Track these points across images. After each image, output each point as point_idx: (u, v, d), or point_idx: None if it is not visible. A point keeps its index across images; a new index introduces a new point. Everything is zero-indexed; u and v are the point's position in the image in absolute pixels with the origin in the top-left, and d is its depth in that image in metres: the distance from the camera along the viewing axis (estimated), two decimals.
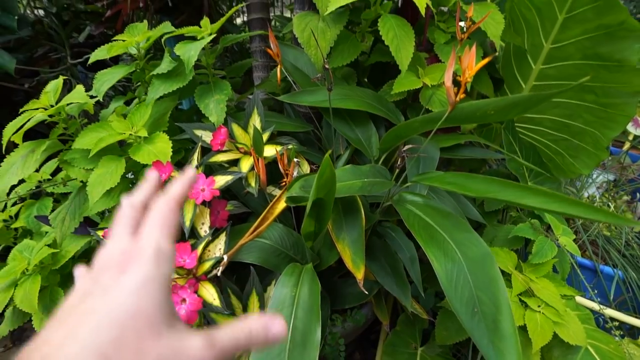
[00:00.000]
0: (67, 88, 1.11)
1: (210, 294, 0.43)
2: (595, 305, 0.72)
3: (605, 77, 0.54)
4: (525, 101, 0.31)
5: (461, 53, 0.54)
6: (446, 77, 0.35)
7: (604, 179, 1.28)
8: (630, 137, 1.38)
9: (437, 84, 0.57)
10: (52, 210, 0.72)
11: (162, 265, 0.19)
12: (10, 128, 0.54)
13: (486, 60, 0.35)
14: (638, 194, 1.23)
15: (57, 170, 0.74)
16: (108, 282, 0.18)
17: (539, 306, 0.61)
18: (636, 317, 0.74)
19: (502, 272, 0.68)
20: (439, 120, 0.39)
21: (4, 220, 0.77)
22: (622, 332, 0.70)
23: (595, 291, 0.70)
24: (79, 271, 0.23)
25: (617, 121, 0.58)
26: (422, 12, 0.49)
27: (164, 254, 0.19)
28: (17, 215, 0.78)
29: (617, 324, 0.68)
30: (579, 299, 0.72)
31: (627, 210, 1.19)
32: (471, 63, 0.35)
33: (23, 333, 1.18)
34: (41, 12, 1.21)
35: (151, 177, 0.26)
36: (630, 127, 1.29)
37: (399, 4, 0.75)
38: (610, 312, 0.72)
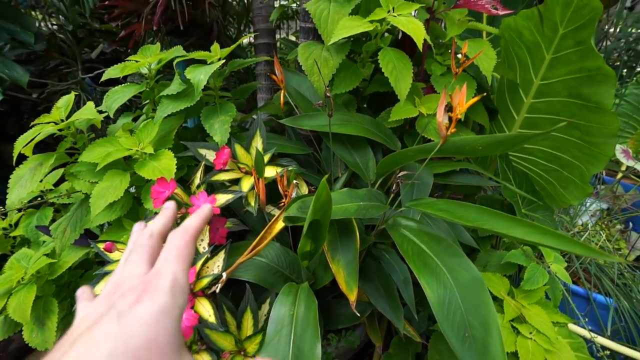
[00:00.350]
0: (76, 101, 1.14)
1: (206, 310, 0.44)
2: (588, 334, 0.72)
3: (588, 117, 0.57)
4: (509, 140, 0.34)
5: (457, 85, 0.57)
6: (438, 113, 0.38)
7: (597, 207, 1.30)
8: (623, 168, 1.41)
9: (432, 113, 0.60)
10: (52, 220, 0.73)
11: (178, 297, 0.19)
12: (21, 141, 0.56)
13: (477, 98, 0.38)
14: (631, 223, 1.25)
15: (60, 180, 0.76)
16: (124, 308, 0.18)
17: (530, 333, 0.61)
18: (629, 347, 0.74)
19: (495, 297, 0.69)
20: (432, 151, 0.41)
21: (3, 229, 0.78)
22: None
23: (587, 319, 0.71)
24: (85, 293, 0.24)
25: (598, 159, 0.61)
26: (420, 46, 0.52)
27: (180, 286, 0.20)
28: (16, 223, 0.78)
29: (608, 352, 0.69)
30: (572, 326, 0.73)
31: (621, 239, 1.20)
32: (462, 100, 0.38)
33: (9, 345, 1.15)
34: (54, 26, 1.27)
35: (168, 207, 0.26)
36: (622, 158, 1.33)
37: (399, 36, 0.79)
38: (602, 340, 0.72)
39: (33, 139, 0.56)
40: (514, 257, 0.70)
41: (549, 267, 0.69)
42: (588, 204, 1.25)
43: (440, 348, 0.72)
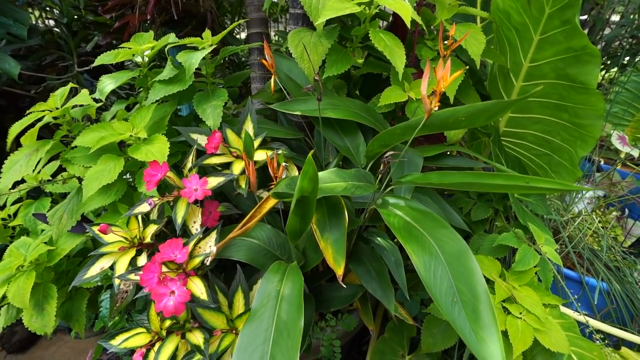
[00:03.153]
0: (73, 94, 1.15)
1: (198, 288, 0.45)
2: (580, 317, 0.73)
3: (575, 98, 0.58)
4: (490, 108, 0.34)
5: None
6: (422, 87, 0.39)
7: (593, 194, 1.30)
8: (622, 155, 1.42)
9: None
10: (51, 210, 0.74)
11: None
12: (15, 128, 0.57)
13: (459, 72, 0.38)
14: (627, 210, 1.25)
15: (57, 171, 0.77)
16: None
17: (520, 313, 0.62)
18: (620, 328, 0.75)
19: (487, 280, 0.70)
20: (417, 126, 0.42)
21: (2, 219, 0.79)
22: (608, 342, 0.71)
23: (579, 303, 0.72)
24: None
25: (586, 141, 0.62)
26: (407, 22, 0.52)
27: None
28: (15, 214, 0.80)
29: (600, 336, 0.69)
30: (564, 309, 0.73)
31: (617, 226, 1.20)
32: (445, 75, 0.39)
33: (13, 337, 1.17)
34: (52, 22, 1.27)
35: None
36: (618, 144, 1.33)
37: (391, 24, 0.80)
38: (593, 322, 0.73)
39: (33, 125, 0.57)
40: (506, 239, 0.70)
41: (540, 249, 0.70)
42: (584, 191, 1.25)
43: (433, 331, 0.73)
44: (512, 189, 0.37)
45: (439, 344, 0.71)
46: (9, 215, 0.79)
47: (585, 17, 1.64)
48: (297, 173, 0.57)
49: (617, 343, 0.82)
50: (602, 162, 1.50)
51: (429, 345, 0.71)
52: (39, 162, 0.57)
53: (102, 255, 0.51)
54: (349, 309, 0.78)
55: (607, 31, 1.75)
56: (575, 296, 0.82)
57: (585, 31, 1.69)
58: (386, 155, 0.49)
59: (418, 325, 0.76)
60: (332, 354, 0.69)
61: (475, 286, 0.36)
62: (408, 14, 0.50)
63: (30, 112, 0.60)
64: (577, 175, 0.70)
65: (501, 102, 0.33)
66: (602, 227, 1.10)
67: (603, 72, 1.79)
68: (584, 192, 1.24)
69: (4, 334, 1.15)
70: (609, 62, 1.74)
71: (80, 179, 0.69)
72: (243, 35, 1.74)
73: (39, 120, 0.60)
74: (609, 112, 1.50)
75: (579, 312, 0.73)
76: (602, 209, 1.22)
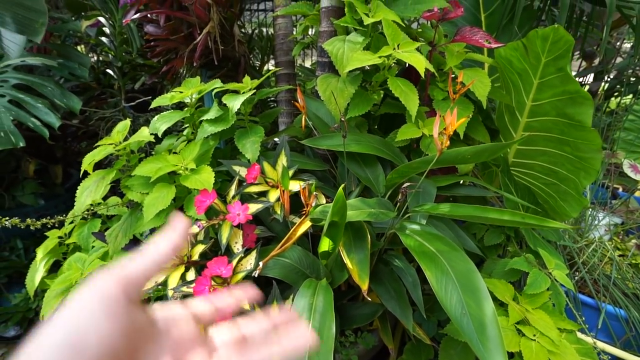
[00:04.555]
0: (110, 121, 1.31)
1: None
2: (598, 343, 0.74)
3: (575, 134, 0.64)
4: (490, 148, 0.41)
5: (455, 108, 0.65)
6: (434, 131, 0.46)
7: (610, 221, 1.31)
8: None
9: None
10: (100, 230, 0.84)
11: None
12: (88, 158, 0.67)
13: (463, 120, 0.46)
14: None
15: (107, 195, 0.88)
16: None
17: (534, 335, 0.65)
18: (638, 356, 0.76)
19: (500, 302, 0.74)
20: (431, 161, 0.49)
21: (59, 237, 0.90)
22: None
23: (595, 329, 0.74)
24: None
25: (589, 172, 0.67)
26: (422, 74, 0.61)
27: None
28: (70, 233, 0.90)
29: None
30: (581, 335, 0.75)
31: (638, 254, 1.20)
32: (453, 120, 0.46)
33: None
34: (94, 58, 1.45)
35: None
36: (630, 172, 1.35)
37: (406, 66, 0.89)
38: (610, 348, 0.74)
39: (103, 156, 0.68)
40: (517, 264, 0.74)
41: (551, 273, 0.73)
42: (601, 217, 1.27)
43: (450, 352, 0.76)
44: (512, 223, 0.43)
45: None
46: (65, 234, 0.90)
47: (590, 49, 1.71)
48: (324, 201, 0.64)
49: None
50: (620, 190, 1.51)
51: None
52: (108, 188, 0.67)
53: None
54: (369, 329, 0.82)
55: (619, 60, 1.81)
56: (593, 324, 0.84)
57: (596, 62, 1.76)
58: (404, 186, 0.56)
59: (435, 345, 0.79)
60: None
61: (482, 302, 0.42)
62: (422, 66, 0.59)
63: (98, 145, 0.71)
64: (583, 203, 0.74)
65: (499, 144, 0.41)
66: (620, 255, 1.11)
67: (618, 100, 1.84)
68: (600, 219, 1.26)
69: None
70: (622, 89, 1.79)
71: (128, 204, 0.79)
72: (265, 68, 1.89)
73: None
74: (621, 139, 1.53)
75: (587, 334, 0.75)
76: (620, 236, 1.23)
